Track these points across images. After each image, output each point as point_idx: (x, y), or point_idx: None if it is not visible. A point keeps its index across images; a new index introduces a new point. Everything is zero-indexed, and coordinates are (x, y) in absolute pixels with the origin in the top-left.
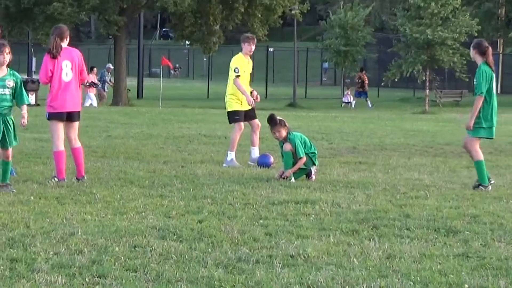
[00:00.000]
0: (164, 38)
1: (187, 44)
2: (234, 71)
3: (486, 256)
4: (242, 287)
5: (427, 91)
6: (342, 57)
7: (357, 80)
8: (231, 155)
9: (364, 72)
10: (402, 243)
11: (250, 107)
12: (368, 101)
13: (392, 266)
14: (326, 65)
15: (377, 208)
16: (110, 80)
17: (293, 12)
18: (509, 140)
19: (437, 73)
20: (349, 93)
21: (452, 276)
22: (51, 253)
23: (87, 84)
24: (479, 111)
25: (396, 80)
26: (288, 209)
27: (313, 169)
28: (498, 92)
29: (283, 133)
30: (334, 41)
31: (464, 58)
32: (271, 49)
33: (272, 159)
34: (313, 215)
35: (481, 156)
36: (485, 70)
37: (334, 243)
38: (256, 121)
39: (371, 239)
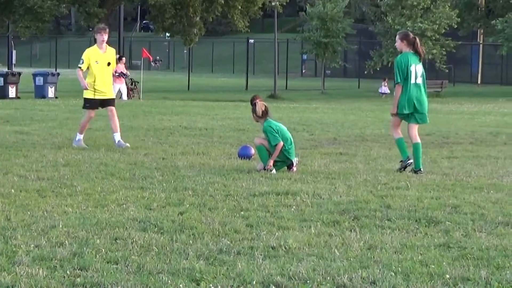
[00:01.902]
0: (144, 30)
1: (168, 36)
2: (80, 62)
3: (467, 246)
4: (224, 279)
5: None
6: (322, 48)
7: None
8: (79, 136)
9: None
10: (383, 234)
11: (109, 96)
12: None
13: (373, 256)
14: (305, 56)
15: (358, 199)
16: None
17: (273, 4)
18: (489, 130)
19: None
20: (386, 84)
21: (433, 266)
22: (32, 245)
23: (116, 74)
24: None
25: (378, 69)
26: (269, 200)
27: (295, 161)
28: (479, 82)
29: (256, 118)
30: (313, 33)
31: (444, 49)
32: (251, 41)
33: (253, 151)
34: (294, 206)
35: (398, 135)
36: (400, 61)
37: (315, 234)
38: (111, 108)
39: (352, 230)
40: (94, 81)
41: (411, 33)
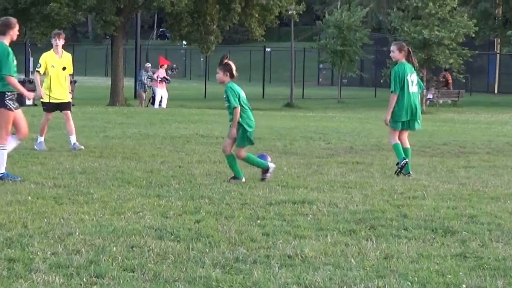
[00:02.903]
0: (161, 38)
1: (184, 44)
2: (37, 65)
3: (484, 257)
4: (240, 287)
5: (424, 91)
6: (339, 57)
7: (441, 79)
8: (40, 139)
9: (448, 71)
10: (399, 243)
11: (64, 100)
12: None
13: (390, 266)
14: (321, 65)
15: (375, 208)
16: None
17: (290, 12)
18: (507, 140)
19: (435, 74)
20: (432, 91)
21: (449, 276)
22: (49, 253)
23: (158, 79)
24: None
25: None
26: (286, 209)
27: (271, 167)
28: (495, 92)
29: (221, 76)
30: (330, 41)
31: (461, 58)
32: (268, 49)
33: (269, 159)
34: (310, 215)
35: (396, 141)
36: (398, 71)
37: (331, 243)
38: (66, 112)
39: (369, 239)
40: (50, 85)
41: (405, 43)
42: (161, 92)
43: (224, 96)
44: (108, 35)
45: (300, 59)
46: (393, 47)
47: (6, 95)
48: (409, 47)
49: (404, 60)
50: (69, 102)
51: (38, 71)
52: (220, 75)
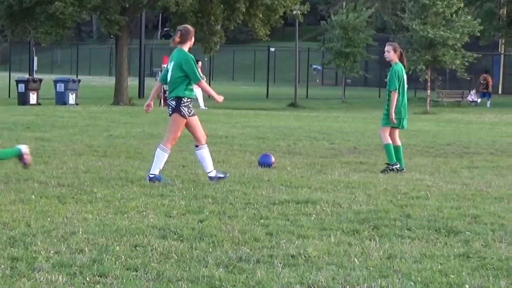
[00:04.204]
0: (165, 38)
1: None
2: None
3: (487, 257)
4: (243, 287)
5: (429, 91)
6: (344, 58)
7: (482, 81)
8: None
9: (488, 73)
10: (403, 243)
11: None
12: (489, 102)
13: (393, 266)
14: (319, 67)
15: (378, 208)
16: None
17: (294, 12)
18: (510, 140)
19: (439, 73)
20: (474, 92)
21: (453, 276)
22: (52, 252)
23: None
24: (389, 105)
25: None
26: (289, 209)
27: (23, 149)
28: (500, 92)
29: (177, 38)
30: (336, 43)
31: (466, 59)
32: (272, 49)
33: (273, 159)
34: (314, 215)
35: (388, 140)
36: (398, 70)
37: (335, 243)
38: None
39: (372, 239)
40: None
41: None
42: (198, 91)
43: None
44: (112, 35)
45: (305, 59)
46: (388, 47)
47: (182, 101)
48: (401, 49)
49: (397, 61)
50: None
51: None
52: (173, 39)
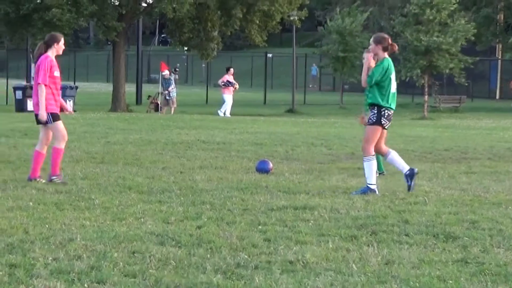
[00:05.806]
0: (163, 44)
1: (185, 50)
2: None
3: (485, 262)
4: None
5: (426, 96)
6: (341, 63)
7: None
8: None
9: None
10: (401, 249)
11: None
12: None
13: (391, 272)
14: (314, 72)
15: (376, 214)
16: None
17: (291, 18)
18: (508, 146)
19: (436, 79)
20: None
21: (451, 282)
22: (50, 258)
23: (222, 84)
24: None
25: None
26: (287, 215)
27: None
28: (497, 97)
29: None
30: (332, 47)
31: (462, 63)
32: (269, 55)
33: (271, 165)
34: (312, 221)
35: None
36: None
37: (333, 249)
38: None
39: (370, 245)
40: None
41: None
42: (229, 98)
43: None
44: (109, 41)
45: (302, 65)
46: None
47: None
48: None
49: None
50: None
51: None
52: None
